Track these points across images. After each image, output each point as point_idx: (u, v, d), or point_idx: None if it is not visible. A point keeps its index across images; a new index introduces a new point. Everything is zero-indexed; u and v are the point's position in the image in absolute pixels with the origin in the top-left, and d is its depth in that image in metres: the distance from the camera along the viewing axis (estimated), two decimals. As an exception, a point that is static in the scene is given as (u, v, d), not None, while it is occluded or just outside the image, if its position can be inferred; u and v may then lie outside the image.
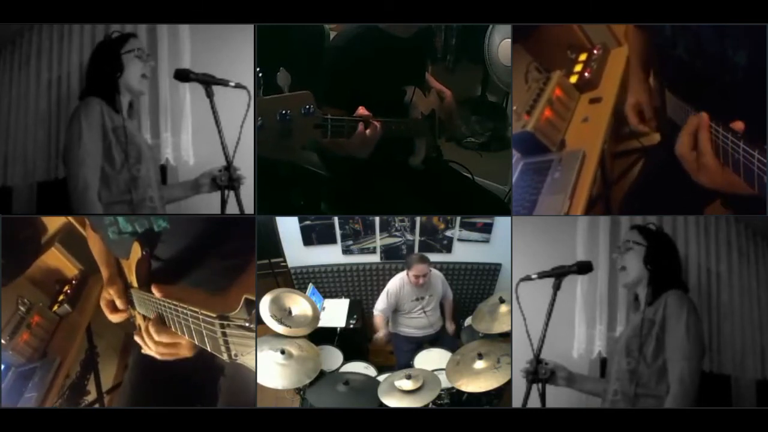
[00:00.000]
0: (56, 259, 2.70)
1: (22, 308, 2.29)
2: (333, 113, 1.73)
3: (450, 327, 3.00)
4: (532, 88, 2.28)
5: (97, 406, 2.51)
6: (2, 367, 2.10)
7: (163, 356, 1.37)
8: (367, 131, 1.77)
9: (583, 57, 2.52)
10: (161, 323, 1.34)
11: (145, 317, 1.50)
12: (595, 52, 2.50)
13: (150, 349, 1.38)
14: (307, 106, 1.62)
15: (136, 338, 1.48)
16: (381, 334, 2.88)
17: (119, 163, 1.90)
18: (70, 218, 2.59)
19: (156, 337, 1.34)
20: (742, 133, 1.35)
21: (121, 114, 1.93)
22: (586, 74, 2.39)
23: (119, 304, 1.67)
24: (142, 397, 1.72)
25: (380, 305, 2.91)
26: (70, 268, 2.73)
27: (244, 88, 1.64)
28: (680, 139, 1.48)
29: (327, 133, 1.69)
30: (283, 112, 1.58)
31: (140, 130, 2.16)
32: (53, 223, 2.62)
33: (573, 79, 2.42)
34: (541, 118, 2.11)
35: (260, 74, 2.17)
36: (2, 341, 2.12)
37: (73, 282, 2.62)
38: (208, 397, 1.70)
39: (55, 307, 2.46)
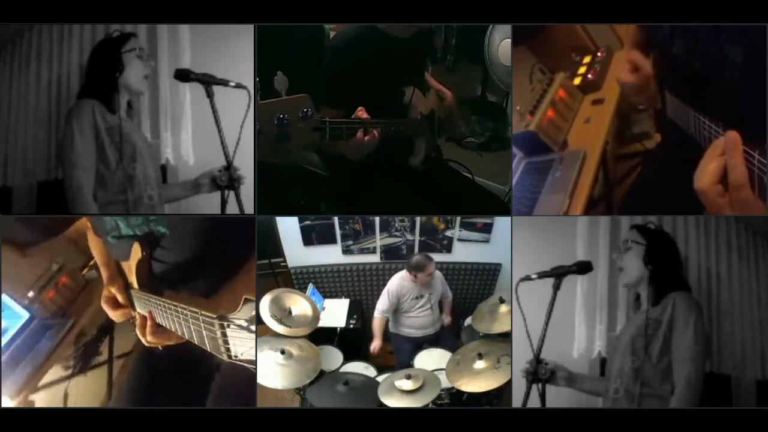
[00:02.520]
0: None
1: (54, 266, 2.41)
2: (332, 114, 1.73)
3: (446, 320, 2.98)
4: (536, 89, 2.28)
5: (105, 367, 2.63)
6: (28, 316, 2.31)
7: (150, 344, 1.50)
8: (366, 138, 1.77)
9: (587, 59, 2.52)
10: (159, 327, 1.40)
11: (144, 317, 1.51)
12: (598, 54, 2.50)
13: (144, 339, 1.51)
14: (305, 110, 1.61)
15: (135, 328, 1.55)
16: (375, 344, 2.84)
17: (114, 163, 1.90)
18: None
19: (152, 338, 1.41)
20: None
21: (117, 114, 1.93)
22: (590, 76, 2.39)
23: (120, 299, 1.68)
24: (139, 396, 1.72)
25: (381, 306, 2.90)
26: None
27: (244, 88, 1.63)
28: (700, 169, 1.26)
29: (326, 136, 1.69)
30: (281, 116, 1.57)
31: (140, 130, 2.16)
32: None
33: (576, 80, 2.42)
34: (544, 118, 2.11)
35: (257, 79, 2.16)
36: (30, 294, 2.30)
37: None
38: (204, 395, 1.70)
39: (85, 270, 2.54)
